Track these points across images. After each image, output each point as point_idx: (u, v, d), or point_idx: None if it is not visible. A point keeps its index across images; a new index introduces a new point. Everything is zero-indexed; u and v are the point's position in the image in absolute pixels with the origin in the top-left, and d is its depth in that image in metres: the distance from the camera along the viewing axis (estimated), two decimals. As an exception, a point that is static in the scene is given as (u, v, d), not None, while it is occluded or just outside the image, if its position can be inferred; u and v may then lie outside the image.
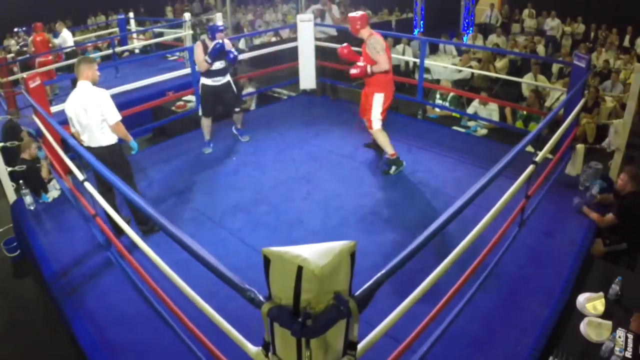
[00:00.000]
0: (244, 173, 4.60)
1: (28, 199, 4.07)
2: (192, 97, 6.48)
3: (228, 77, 4.86)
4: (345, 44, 4.39)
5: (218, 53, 4.55)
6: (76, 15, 13.80)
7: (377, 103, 4.25)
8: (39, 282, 3.64)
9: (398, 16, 13.09)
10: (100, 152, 3.23)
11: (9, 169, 4.18)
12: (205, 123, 4.99)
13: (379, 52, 4.05)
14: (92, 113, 3.25)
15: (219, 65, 4.69)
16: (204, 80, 4.79)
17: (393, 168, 4.38)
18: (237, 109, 5.04)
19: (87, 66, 3.33)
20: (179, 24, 9.94)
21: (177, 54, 9.50)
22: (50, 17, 12.73)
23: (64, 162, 3.70)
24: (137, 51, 10.49)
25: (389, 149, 4.36)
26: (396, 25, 11.71)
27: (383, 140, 4.35)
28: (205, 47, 4.65)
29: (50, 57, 7.91)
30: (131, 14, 11.04)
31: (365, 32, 4.15)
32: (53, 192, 4.28)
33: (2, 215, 4.71)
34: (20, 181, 4.13)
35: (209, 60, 4.57)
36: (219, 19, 8.45)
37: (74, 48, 8.61)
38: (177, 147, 5.28)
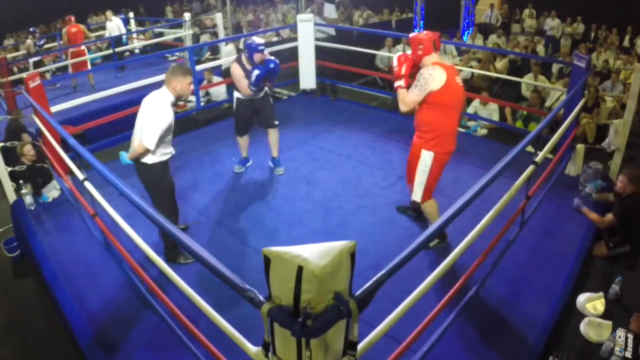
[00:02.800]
0: (244, 173, 4.60)
1: (28, 199, 4.07)
2: (192, 97, 6.47)
3: (265, 89, 4.30)
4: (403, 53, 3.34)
5: (262, 81, 3.99)
6: (76, 15, 13.79)
7: (424, 166, 3.16)
8: (39, 282, 3.63)
9: (398, 16, 13.08)
10: (140, 168, 3.07)
11: (9, 169, 4.18)
12: (241, 142, 4.54)
13: (415, 87, 3.00)
14: (138, 123, 3.00)
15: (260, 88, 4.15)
16: (238, 95, 4.24)
17: (436, 241, 3.39)
18: (275, 122, 4.38)
19: (175, 77, 2.98)
20: (179, 24, 9.95)
21: (177, 54, 9.50)
22: (51, 17, 12.74)
23: (64, 162, 3.69)
24: (137, 51, 10.49)
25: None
26: (396, 25, 11.68)
27: (432, 214, 3.31)
28: (243, 68, 4.06)
29: (83, 48, 8.01)
30: (131, 14, 11.05)
31: (427, 61, 3.03)
32: (53, 192, 4.28)
33: (2, 215, 4.71)
34: (21, 181, 4.13)
35: (254, 89, 4.01)
36: (218, 19, 8.51)
37: (121, 36, 8.88)
38: (176, 147, 5.23)
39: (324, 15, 6.89)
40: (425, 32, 3.11)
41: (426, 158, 3.13)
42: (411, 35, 3.11)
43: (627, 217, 3.44)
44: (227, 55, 7.45)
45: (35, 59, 8.36)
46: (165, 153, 3.12)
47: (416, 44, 3.04)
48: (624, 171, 3.64)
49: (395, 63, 3.17)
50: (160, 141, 2.97)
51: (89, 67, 8.09)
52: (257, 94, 4.20)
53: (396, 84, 3.16)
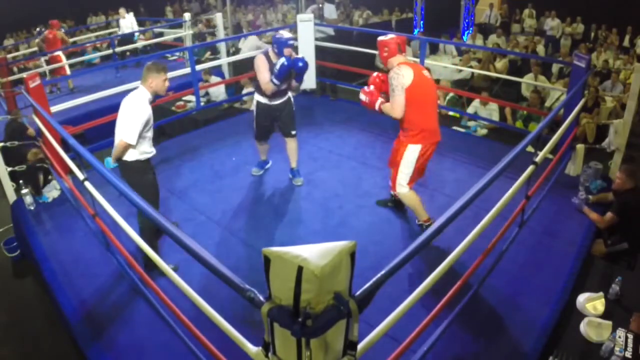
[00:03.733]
0: (244, 173, 4.60)
1: (28, 199, 4.07)
2: (192, 97, 6.48)
3: (289, 94, 4.10)
4: (377, 74, 3.56)
5: (286, 74, 3.73)
6: (76, 15, 13.80)
7: (409, 159, 3.30)
8: (39, 282, 3.63)
9: (398, 16, 13.08)
10: (122, 167, 3.07)
11: (9, 168, 4.18)
12: (260, 148, 4.39)
13: (393, 92, 3.14)
14: (118, 124, 3.05)
15: (283, 84, 3.91)
16: (259, 98, 4.02)
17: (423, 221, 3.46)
18: (293, 132, 4.17)
19: (150, 74, 3.01)
20: (179, 24, 9.95)
21: (177, 54, 9.50)
22: (51, 17, 12.71)
23: (64, 162, 3.69)
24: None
25: (421, 215, 3.44)
26: (396, 25, 11.69)
27: (413, 204, 3.44)
28: (269, 62, 3.84)
29: (58, 53, 7.92)
30: (131, 14, 11.04)
31: (393, 62, 3.22)
32: (53, 192, 4.28)
33: (2, 215, 4.71)
34: (21, 181, 4.13)
35: (277, 82, 3.74)
36: (218, 19, 8.50)
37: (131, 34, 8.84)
38: (177, 147, 5.28)
39: (325, 15, 6.90)
40: (391, 35, 3.29)
41: (413, 150, 3.29)
42: (379, 38, 3.28)
43: (626, 212, 3.44)
44: (249, 49, 7.34)
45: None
46: (146, 152, 3.11)
47: (382, 47, 3.25)
48: (622, 167, 3.66)
49: (364, 98, 3.38)
50: (140, 137, 3.00)
51: (68, 72, 7.98)
52: (278, 98, 4.00)
53: (377, 106, 3.31)
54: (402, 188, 3.39)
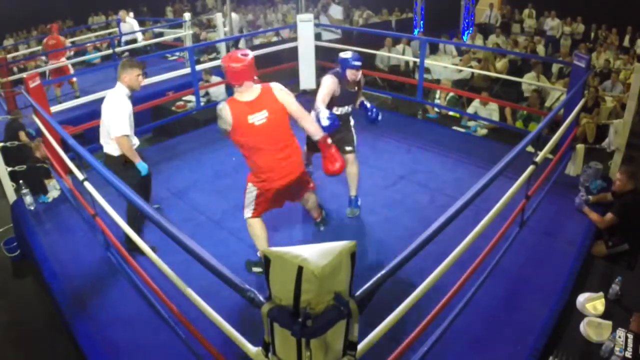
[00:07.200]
0: (244, 173, 4.58)
1: (28, 199, 4.07)
2: (192, 97, 6.48)
3: (347, 108, 3.57)
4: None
5: (333, 129, 3.18)
6: (76, 15, 13.80)
7: (247, 196, 3.12)
8: (39, 282, 3.63)
9: (398, 16, 13.07)
10: (106, 161, 3.17)
11: (9, 168, 4.18)
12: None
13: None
14: (103, 125, 3.19)
15: (345, 109, 3.52)
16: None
17: (259, 269, 3.13)
18: (347, 147, 3.62)
19: (124, 70, 3.17)
20: (179, 24, 9.95)
21: (177, 54, 9.50)
22: (51, 17, 12.72)
23: (64, 162, 3.69)
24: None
25: (260, 246, 3.08)
26: (396, 25, 11.68)
27: (253, 233, 3.11)
28: (335, 85, 3.39)
29: (63, 60, 7.81)
30: (131, 14, 11.04)
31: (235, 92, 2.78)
32: (53, 192, 4.28)
33: (2, 215, 4.71)
34: (21, 181, 4.13)
35: (325, 130, 3.11)
36: (218, 19, 8.50)
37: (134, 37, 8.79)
38: (177, 147, 5.28)
39: (329, 14, 6.90)
40: (240, 55, 2.72)
41: (250, 190, 3.08)
42: (224, 62, 2.72)
43: (627, 214, 3.44)
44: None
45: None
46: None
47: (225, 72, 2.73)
48: (622, 169, 3.65)
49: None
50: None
51: (72, 71, 7.86)
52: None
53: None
54: (246, 214, 3.11)
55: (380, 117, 3.61)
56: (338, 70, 3.46)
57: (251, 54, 2.75)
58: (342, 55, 3.43)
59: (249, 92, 2.76)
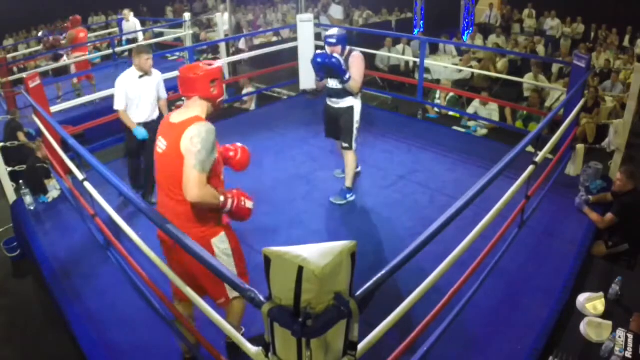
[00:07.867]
0: (244, 173, 4.58)
1: (28, 199, 4.07)
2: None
3: (346, 103, 3.78)
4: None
5: (318, 70, 3.55)
6: (76, 15, 13.78)
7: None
8: (39, 282, 3.63)
9: (398, 16, 13.07)
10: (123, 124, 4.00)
11: (9, 168, 4.18)
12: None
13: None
14: None
15: (332, 84, 3.73)
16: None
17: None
18: (344, 144, 3.89)
19: (136, 55, 3.84)
20: (179, 24, 9.94)
21: (177, 54, 9.49)
22: (51, 17, 12.73)
23: (64, 162, 3.69)
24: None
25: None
26: (396, 25, 11.69)
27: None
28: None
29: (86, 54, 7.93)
30: (131, 14, 11.03)
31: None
32: (53, 192, 4.28)
33: (2, 215, 4.71)
34: (21, 181, 4.13)
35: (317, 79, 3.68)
36: (218, 19, 8.49)
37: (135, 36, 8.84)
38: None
39: (329, 14, 6.89)
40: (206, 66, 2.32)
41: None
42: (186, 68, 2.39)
43: (627, 214, 3.44)
44: None
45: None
46: (133, 117, 3.92)
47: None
48: (622, 169, 3.65)
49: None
50: (126, 101, 3.85)
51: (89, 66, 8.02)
52: (334, 100, 3.83)
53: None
54: None
55: (328, 61, 3.43)
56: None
57: (217, 64, 2.31)
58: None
59: (185, 112, 2.21)
